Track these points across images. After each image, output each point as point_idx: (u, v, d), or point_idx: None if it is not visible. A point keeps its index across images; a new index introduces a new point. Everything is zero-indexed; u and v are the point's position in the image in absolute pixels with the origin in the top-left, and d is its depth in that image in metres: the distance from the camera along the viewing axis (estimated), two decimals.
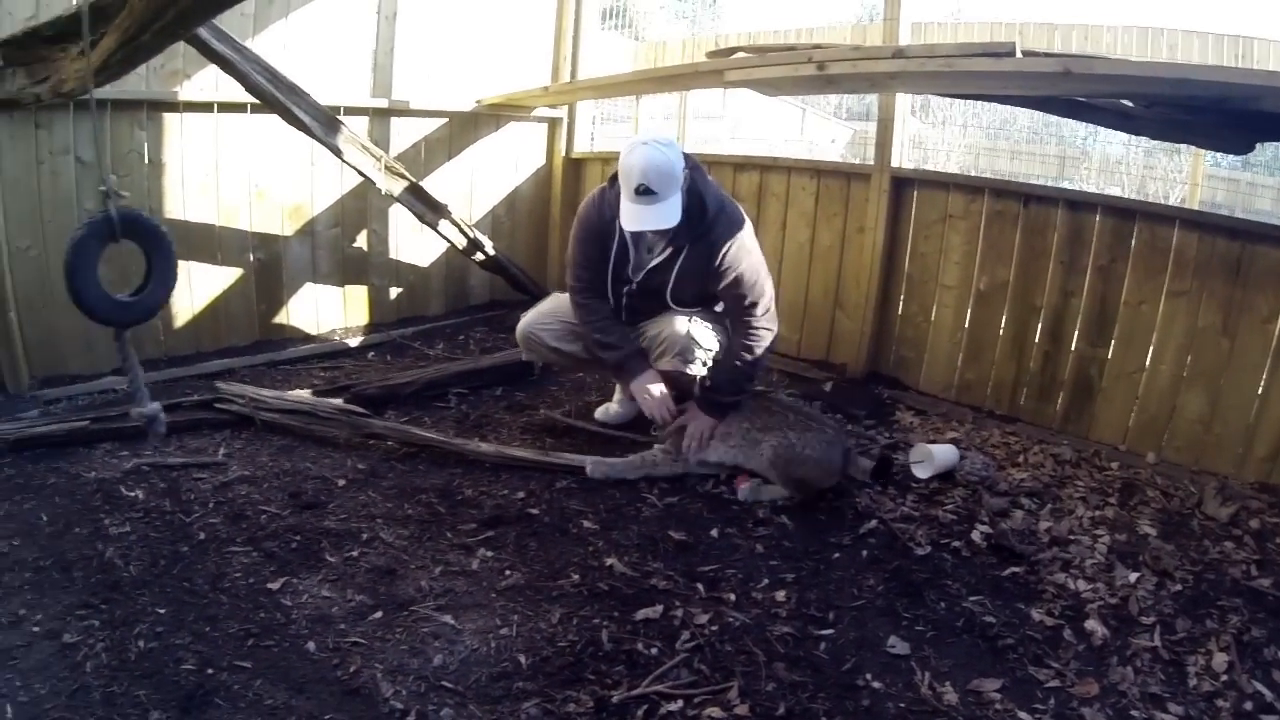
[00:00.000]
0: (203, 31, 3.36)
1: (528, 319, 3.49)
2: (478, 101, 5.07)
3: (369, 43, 4.59)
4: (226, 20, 3.54)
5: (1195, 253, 3.34)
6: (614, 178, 3.13)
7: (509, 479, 3.10)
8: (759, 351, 3.11)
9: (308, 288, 4.62)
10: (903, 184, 4.16)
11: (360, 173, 4.15)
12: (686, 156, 3.01)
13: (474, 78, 5.04)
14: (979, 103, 8.04)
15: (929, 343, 4.17)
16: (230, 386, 3.54)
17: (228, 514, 2.75)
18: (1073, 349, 3.70)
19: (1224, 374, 3.30)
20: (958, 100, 8.75)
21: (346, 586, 2.40)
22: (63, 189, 3.63)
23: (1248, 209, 8.02)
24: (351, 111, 4.41)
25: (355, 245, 4.77)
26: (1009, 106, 5.32)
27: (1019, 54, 2.95)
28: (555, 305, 3.51)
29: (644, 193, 2.87)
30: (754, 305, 3.10)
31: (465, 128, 5.12)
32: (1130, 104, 3.35)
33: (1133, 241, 3.50)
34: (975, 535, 2.84)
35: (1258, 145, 3.47)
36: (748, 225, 3.16)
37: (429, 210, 4.45)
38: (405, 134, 4.83)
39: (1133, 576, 2.62)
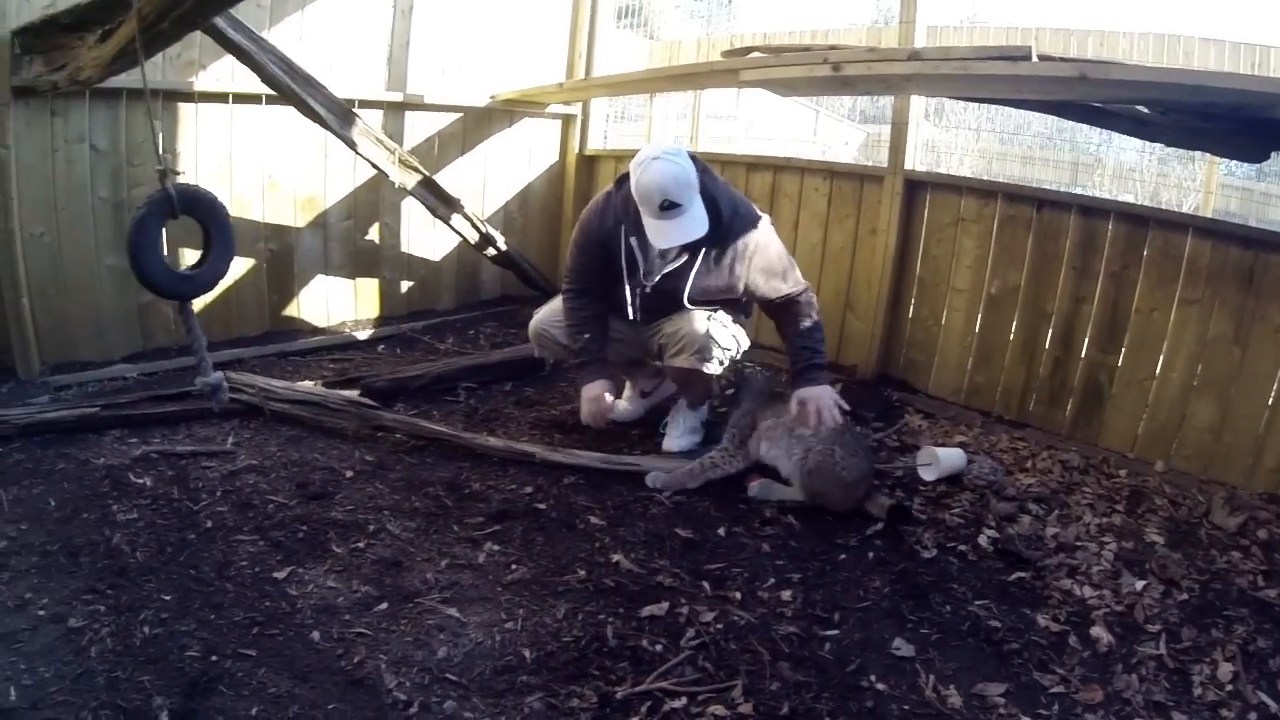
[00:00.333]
0: (220, 21, 3.37)
1: (540, 316, 3.48)
2: (492, 97, 5.07)
3: (384, 36, 4.60)
4: (243, 11, 3.55)
5: (1208, 261, 3.32)
6: (619, 182, 3.13)
7: (517, 473, 3.11)
8: (816, 316, 3.16)
9: (319, 279, 4.63)
10: (916, 187, 4.15)
11: (374, 165, 4.16)
12: (694, 159, 3.00)
13: (488, 73, 5.04)
14: (993, 107, 8.02)
15: (939, 346, 4.15)
16: (240, 376, 3.55)
17: (235, 503, 2.76)
18: (1083, 355, 3.68)
19: (1235, 383, 3.28)
20: (972, 105, 8.72)
21: (352, 577, 2.41)
22: (77, 176, 3.65)
23: (1261, 219, 7.99)
24: (366, 104, 4.42)
25: (367, 238, 4.78)
26: (1023, 111, 5.31)
27: (1034, 58, 2.94)
28: None
29: (669, 207, 2.88)
30: (794, 291, 3.14)
31: (479, 123, 5.13)
32: (1146, 110, 3.34)
33: (1145, 249, 3.48)
34: (982, 539, 2.83)
35: (1273, 154, 3.45)
36: (763, 220, 3.17)
37: (442, 204, 4.46)
38: (419, 128, 4.84)
39: (1139, 584, 2.61)
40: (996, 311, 3.94)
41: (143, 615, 2.16)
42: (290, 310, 4.55)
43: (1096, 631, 2.37)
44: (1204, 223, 3.72)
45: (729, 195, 3.11)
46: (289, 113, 3.95)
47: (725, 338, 3.17)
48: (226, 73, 3.96)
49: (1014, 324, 3.88)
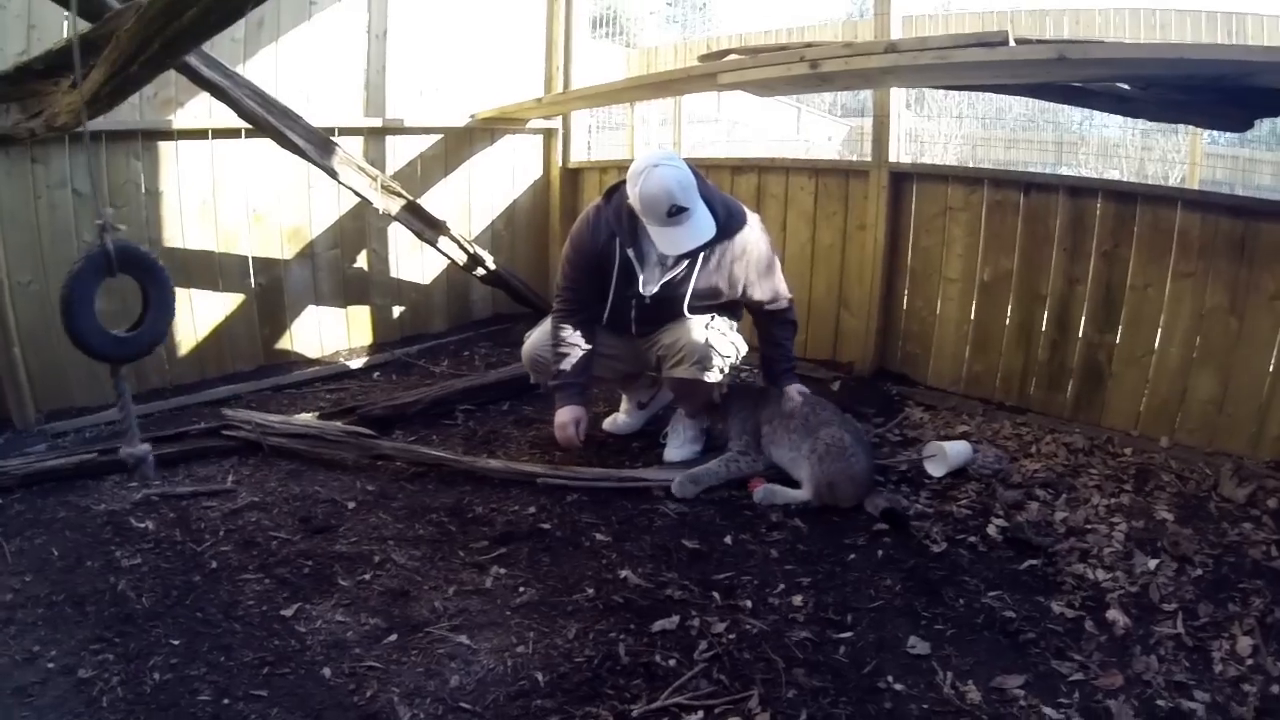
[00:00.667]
0: (193, 59, 3.37)
1: (532, 341, 3.44)
2: (472, 116, 5.07)
3: (360, 62, 4.59)
4: (217, 47, 3.55)
5: (1199, 233, 3.31)
6: (608, 194, 3.13)
7: (519, 494, 3.09)
8: (792, 317, 3.37)
9: (310, 310, 4.61)
10: (901, 179, 4.14)
11: (357, 193, 4.14)
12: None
13: (467, 93, 5.04)
14: (973, 93, 8.03)
15: (935, 337, 4.14)
16: (236, 413, 3.54)
17: (238, 541, 2.74)
18: (1080, 336, 3.67)
19: (1234, 353, 3.27)
20: (952, 92, 8.72)
21: (360, 610, 2.39)
22: (61, 222, 3.64)
23: (1248, 185, 7.99)
24: (346, 132, 4.42)
25: (355, 266, 4.77)
26: (1004, 95, 5.30)
27: (1012, 42, 2.94)
28: None
29: (676, 213, 2.88)
30: (778, 295, 3.26)
31: (460, 143, 5.12)
32: (1126, 86, 3.33)
33: (1135, 225, 3.48)
34: (991, 529, 2.82)
35: (1256, 122, 3.44)
36: (754, 218, 3.20)
37: (427, 227, 4.44)
38: (400, 152, 4.84)
39: (1152, 563, 2.59)
40: (990, 298, 3.93)
41: (152, 661, 2.14)
42: (283, 343, 4.53)
43: (1112, 614, 2.35)
44: (1192, 195, 3.72)
45: (720, 197, 3.12)
46: (270, 145, 3.93)
47: (725, 345, 3.15)
48: (204, 109, 3.94)
49: (1009, 309, 3.88)
